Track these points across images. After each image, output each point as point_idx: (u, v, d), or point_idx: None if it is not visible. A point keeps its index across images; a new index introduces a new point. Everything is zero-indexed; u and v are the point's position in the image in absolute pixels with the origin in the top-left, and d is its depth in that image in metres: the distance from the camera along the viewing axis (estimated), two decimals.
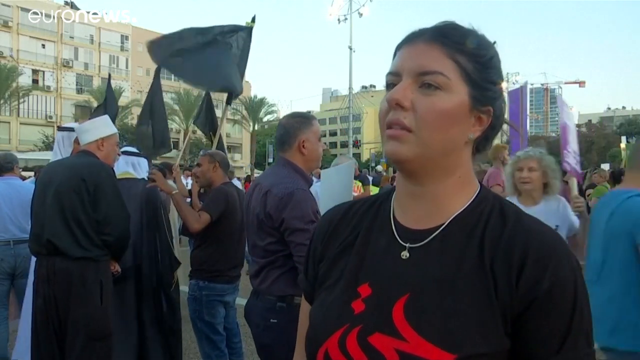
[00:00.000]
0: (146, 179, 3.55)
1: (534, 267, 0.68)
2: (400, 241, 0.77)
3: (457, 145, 0.74)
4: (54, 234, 2.65)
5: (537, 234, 0.71)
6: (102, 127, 2.98)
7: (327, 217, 0.91)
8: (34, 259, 2.94)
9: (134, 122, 39.04)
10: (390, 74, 0.75)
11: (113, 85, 5.73)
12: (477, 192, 0.78)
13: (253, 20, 4.65)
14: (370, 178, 9.85)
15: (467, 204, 0.77)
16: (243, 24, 4.60)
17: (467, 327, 0.67)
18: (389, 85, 0.75)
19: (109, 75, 5.79)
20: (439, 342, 0.67)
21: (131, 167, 3.52)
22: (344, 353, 0.72)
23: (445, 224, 0.75)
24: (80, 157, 2.88)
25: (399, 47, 0.77)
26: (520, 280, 0.68)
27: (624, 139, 18.70)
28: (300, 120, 2.15)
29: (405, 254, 0.76)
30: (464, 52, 0.72)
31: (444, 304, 0.69)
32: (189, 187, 6.91)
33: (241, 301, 6.31)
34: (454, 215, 0.76)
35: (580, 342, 0.68)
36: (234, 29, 4.41)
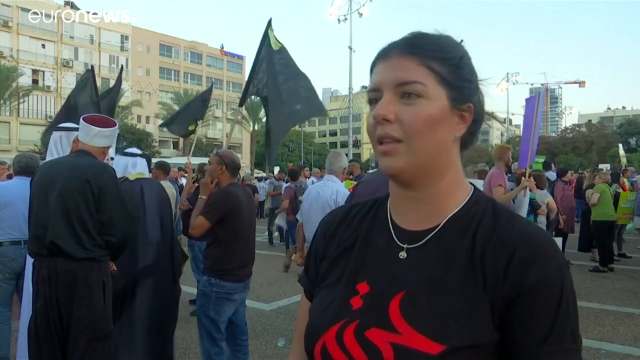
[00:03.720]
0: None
1: (521, 263, 0.71)
2: (398, 242, 0.81)
3: (446, 146, 0.78)
4: (58, 235, 2.64)
5: (526, 233, 0.75)
6: (114, 137, 3.08)
7: (329, 218, 0.96)
8: (30, 260, 2.93)
9: (134, 122, 39.06)
10: (370, 90, 0.79)
11: (112, 85, 5.77)
12: (471, 194, 0.82)
13: (269, 24, 4.68)
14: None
15: (462, 205, 0.80)
16: (261, 27, 4.73)
17: (456, 321, 0.71)
18: (372, 101, 0.79)
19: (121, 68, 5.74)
20: (430, 334, 0.70)
21: (130, 167, 3.54)
22: (340, 346, 0.76)
23: (441, 224, 0.79)
24: (80, 157, 2.86)
25: (374, 64, 0.80)
26: (507, 274, 0.71)
27: (621, 146, 18.64)
28: None
29: (403, 254, 0.80)
30: (435, 58, 0.76)
31: (437, 299, 0.73)
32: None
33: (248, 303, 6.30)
34: (449, 216, 0.79)
35: (565, 337, 0.71)
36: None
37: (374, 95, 0.78)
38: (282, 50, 4.65)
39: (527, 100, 6.01)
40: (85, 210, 2.69)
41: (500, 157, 5.26)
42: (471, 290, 0.72)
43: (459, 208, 0.80)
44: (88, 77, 5.06)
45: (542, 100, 5.77)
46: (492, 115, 0.95)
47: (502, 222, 0.77)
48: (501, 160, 5.24)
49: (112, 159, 3.60)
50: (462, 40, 0.83)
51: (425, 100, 0.74)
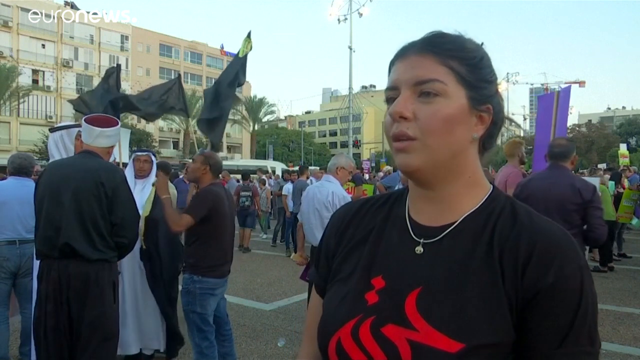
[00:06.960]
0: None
1: (539, 262, 0.70)
2: (415, 237, 0.80)
3: (463, 146, 0.76)
4: (72, 237, 2.64)
5: (545, 231, 0.73)
6: (117, 136, 3.09)
7: (340, 214, 0.94)
8: (36, 262, 2.91)
9: (134, 122, 39.03)
10: (388, 89, 0.78)
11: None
12: (489, 192, 0.81)
13: (249, 36, 4.92)
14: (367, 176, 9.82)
15: (479, 204, 0.79)
16: (236, 33, 5.02)
17: (476, 318, 0.69)
18: (389, 100, 0.78)
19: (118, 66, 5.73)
20: (449, 332, 0.69)
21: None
22: (356, 342, 0.74)
23: (458, 221, 0.78)
24: (89, 158, 2.85)
25: (392, 63, 0.80)
26: (525, 273, 0.70)
27: (623, 146, 18.19)
28: (573, 144, 3.74)
29: (419, 249, 0.78)
30: (455, 57, 0.75)
31: (455, 296, 0.72)
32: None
33: (239, 301, 6.32)
34: (466, 214, 0.78)
35: (582, 339, 0.69)
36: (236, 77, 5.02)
37: (391, 93, 0.77)
38: (243, 58, 5.05)
39: (540, 98, 5.55)
40: (98, 212, 2.70)
41: (512, 153, 4.77)
42: (490, 288, 0.71)
43: (476, 207, 0.79)
44: (112, 73, 5.19)
45: (567, 99, 5.08)
46: (510, 119, 0.93)
47: (522, 219, 0.75)
48: (514, 157, 4.77)
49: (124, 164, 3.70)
50: (482, 43, 0.82)
51: (444, 99, 0.73)
